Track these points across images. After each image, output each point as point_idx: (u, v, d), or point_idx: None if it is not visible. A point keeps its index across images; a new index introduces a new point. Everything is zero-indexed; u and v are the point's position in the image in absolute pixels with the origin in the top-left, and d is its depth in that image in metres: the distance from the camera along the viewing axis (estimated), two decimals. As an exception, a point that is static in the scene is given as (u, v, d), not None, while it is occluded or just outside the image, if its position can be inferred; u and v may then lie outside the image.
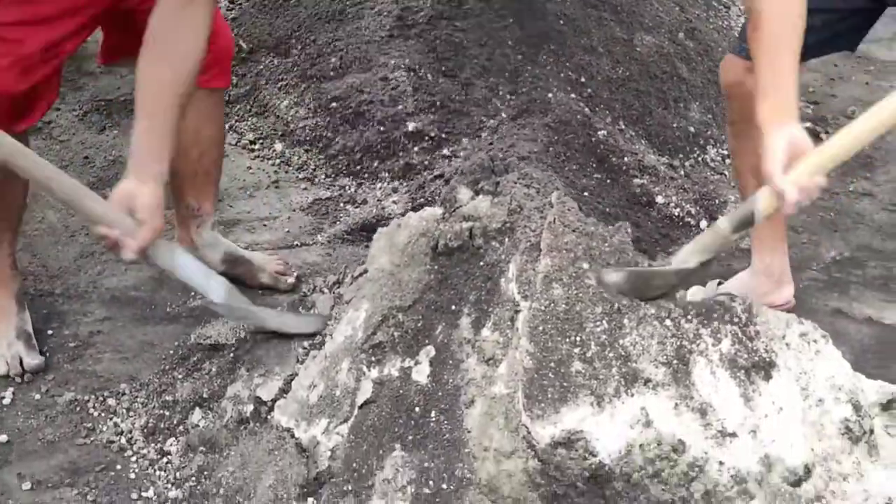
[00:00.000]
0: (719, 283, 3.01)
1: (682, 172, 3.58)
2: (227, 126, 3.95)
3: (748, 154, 2.72)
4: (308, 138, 3.77)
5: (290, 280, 3.19)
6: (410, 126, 3.58)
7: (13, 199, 2.81)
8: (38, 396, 2.77)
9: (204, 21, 2.34)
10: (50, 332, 3.00)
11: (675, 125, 3.74)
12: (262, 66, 4.03)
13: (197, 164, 2.99)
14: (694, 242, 2.33)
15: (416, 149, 3.55)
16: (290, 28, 3.99)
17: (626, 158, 3.51)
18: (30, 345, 2.86)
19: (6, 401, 2.74)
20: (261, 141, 3.86)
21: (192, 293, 3.13)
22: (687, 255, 2.31)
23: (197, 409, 2.60)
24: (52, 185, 2.28)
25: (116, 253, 2.31)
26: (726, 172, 3.65)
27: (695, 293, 3.00)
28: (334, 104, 3.75)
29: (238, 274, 3.15)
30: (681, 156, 3.66)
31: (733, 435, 2.08)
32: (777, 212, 2.16)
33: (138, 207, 2.27)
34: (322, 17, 3.90)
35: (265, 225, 3.46)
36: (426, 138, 3.55)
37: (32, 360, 2.83)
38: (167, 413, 2.64)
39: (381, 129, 3.61)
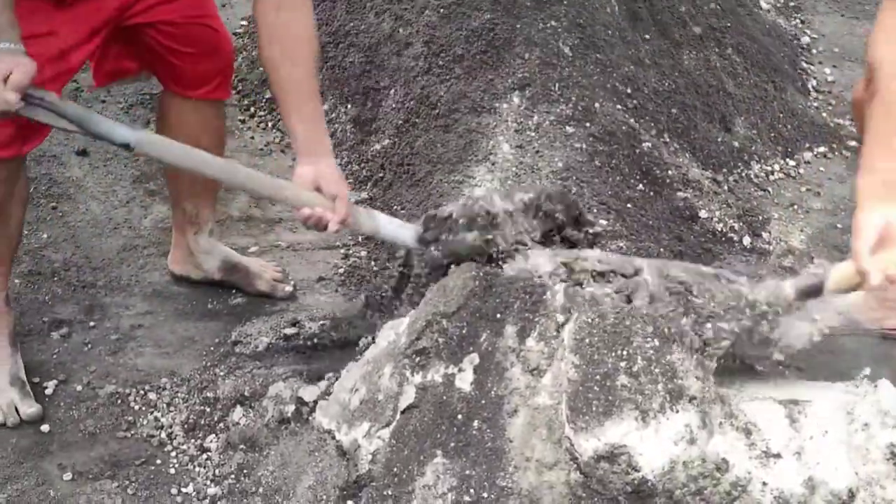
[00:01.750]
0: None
1: (726, 187, 3.57)
2: (270, 124, 3.98)
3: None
4: (350, 140, 3.78)
5: (288, 288, 3.20)
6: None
7: (8, 235, 2.74)
8: (79, 388, 2.79)
9: (306, 14, 2.52)
10: (92, 324, 3.02)
11: (719, 139, 3.73)
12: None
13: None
14: (755, 288, 2.27)
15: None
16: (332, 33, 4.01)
17: (669, 171, 3.50)
18: (24, 392, 2.73)
19: (48, 391, 2.77)
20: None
21: (234, 290, 3.16)
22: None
23: (238, 406, 2.62)
24: (249, 186, 2.54)
25: (321, 229, 2.45)
26: (770, 189, 3.63)
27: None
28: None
29: (235, 280, 3.18)
30: (724, 170, 3.64)
31: (777, 456, 2.08)
32: (850, 289, 2.09)
33: (325, 184, 2.43)
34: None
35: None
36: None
37: (28, 407, 2.70)
38: (208, 409, 2.66)
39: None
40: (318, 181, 2.43)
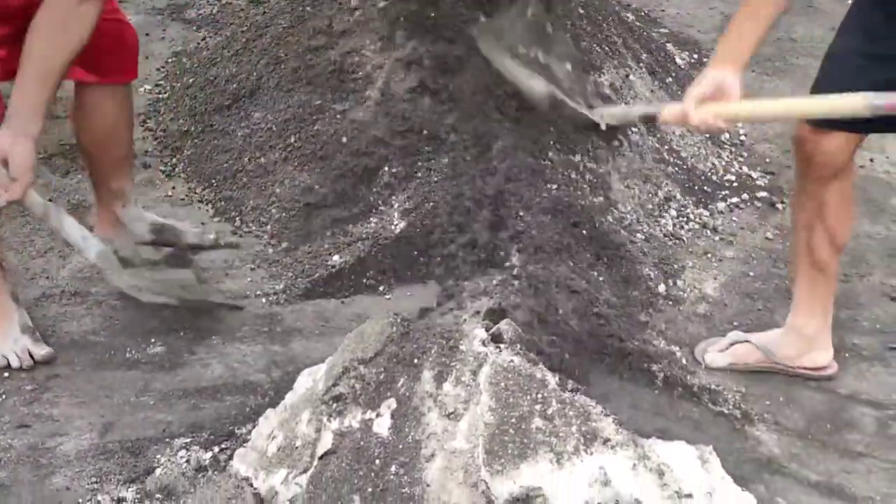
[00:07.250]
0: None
1: (641, 236, 3.63)
2: (192, 176, 3.97)
3: (804, 210, 2.87)
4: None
5: (211, 236, 3.55)
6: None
7: None
8: (-8, 440, 2.74)
9: (92, 18, 2.64)
10: (6, 374, 2.98)
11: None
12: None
13: (116, 151, 3.29)
14: (615, 108, 3.16)
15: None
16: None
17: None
18: (35, 337, 3.04)
19: (-40, 442, 2.72)
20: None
21: (153, 340, 3.14)
22: (605, 111, 2.96)
23: (156, 455, 2.59)
24: None
25: None
26: (685, 238, 3.70)
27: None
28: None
29: (166, 239, 3.49)
30: (640, 220, 3.70)
31: (689, 496, 2.12)
32: (674, 124, 2.71)
33: (12, 164, 2.57)
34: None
35: (227, 274, 3.46)
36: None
37: (41, 350, 3.01)
38: (125, 459, 2.63)
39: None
40: (8, 157, 2.57)
